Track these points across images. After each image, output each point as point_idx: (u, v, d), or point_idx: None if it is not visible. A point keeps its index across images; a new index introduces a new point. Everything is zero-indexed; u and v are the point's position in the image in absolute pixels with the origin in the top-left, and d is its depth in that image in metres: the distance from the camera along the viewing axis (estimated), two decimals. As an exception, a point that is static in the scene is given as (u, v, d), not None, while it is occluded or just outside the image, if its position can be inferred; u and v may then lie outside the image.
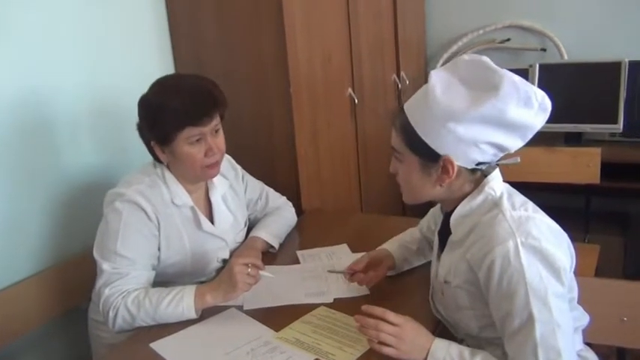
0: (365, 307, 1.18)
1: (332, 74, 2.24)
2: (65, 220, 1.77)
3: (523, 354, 1.06)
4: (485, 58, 1.14)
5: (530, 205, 1.17)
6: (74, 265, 1.74)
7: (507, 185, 1.21)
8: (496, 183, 1.17)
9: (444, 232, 1.26)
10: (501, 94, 1.06)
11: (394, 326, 1.14)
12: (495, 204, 1.14)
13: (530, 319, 1.05)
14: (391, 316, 1.15)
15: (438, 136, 1.11)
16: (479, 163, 1.14)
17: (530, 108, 1.09)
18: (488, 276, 1.09)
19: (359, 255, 1.64)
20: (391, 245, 1.54)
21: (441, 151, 1.12)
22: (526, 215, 1.12)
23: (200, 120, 1.43)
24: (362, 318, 1.17)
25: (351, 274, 1.45)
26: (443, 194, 1.20)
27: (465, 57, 1.16)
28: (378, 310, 1.16)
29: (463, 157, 1.12)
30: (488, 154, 1.13)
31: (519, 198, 1.18)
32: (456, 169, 1.13)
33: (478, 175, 1.18)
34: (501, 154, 1.17)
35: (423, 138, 1.13)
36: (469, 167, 1.15)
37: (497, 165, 1.20)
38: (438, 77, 1.14)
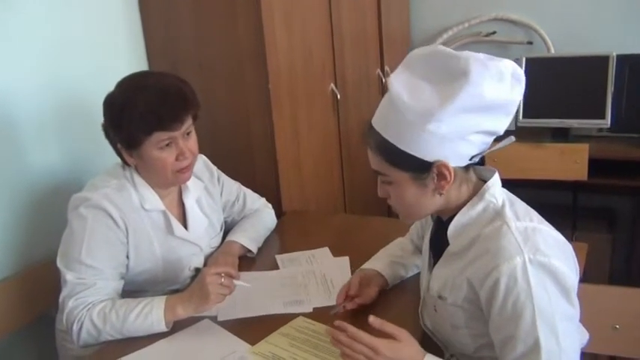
0: (338, 323, 1.08)
1: (313, 69, 2.16)
2: (30, 224, 1.68)
3: None
4: (440, 47, 1.04)
5: (534, 214, 1.08)
6: (40, 271, 1.65)
7: (506, 191, 1.12)
8: (497, 189, 1.09)
9: (437, 241, 1.17)
10: (472, 78, 0.97)
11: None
12: (498, 213, 1.06)
13: (535, 346, 0.97)
14: (367, 338, 1.04)
15: (422, 143, 1.01)
16: (471, 157, 1.05)
17: (504, 82, 1.00)
18: (491, 295, 1.00)
19: (340, 259, 1.59)
20: (382, 264, 1.42)
21: (429, 157, 1.02)
22: (532, 227, 1.03)
23: (170, 125, 1.33)
24: (334, 332, 1.07)
25: (347, 302, 1.33)
26: (442, 203, 1.10)
27: (417, 52, 1.06)
28: (353, 330, 1.05)
29: (455, 156, 1.03)
30: (478, 144, 1.04)
31: (522, 206, 1.10)
32: (452, 171, 1.03)
33: (472, 175, 1.10)
34: (490, 140, 1.07)
35: (406, 150, 1.03)
36: (463, 165, 1.06)
37: (495, 168, 1.11)
38: (398, 81, 1.03)
